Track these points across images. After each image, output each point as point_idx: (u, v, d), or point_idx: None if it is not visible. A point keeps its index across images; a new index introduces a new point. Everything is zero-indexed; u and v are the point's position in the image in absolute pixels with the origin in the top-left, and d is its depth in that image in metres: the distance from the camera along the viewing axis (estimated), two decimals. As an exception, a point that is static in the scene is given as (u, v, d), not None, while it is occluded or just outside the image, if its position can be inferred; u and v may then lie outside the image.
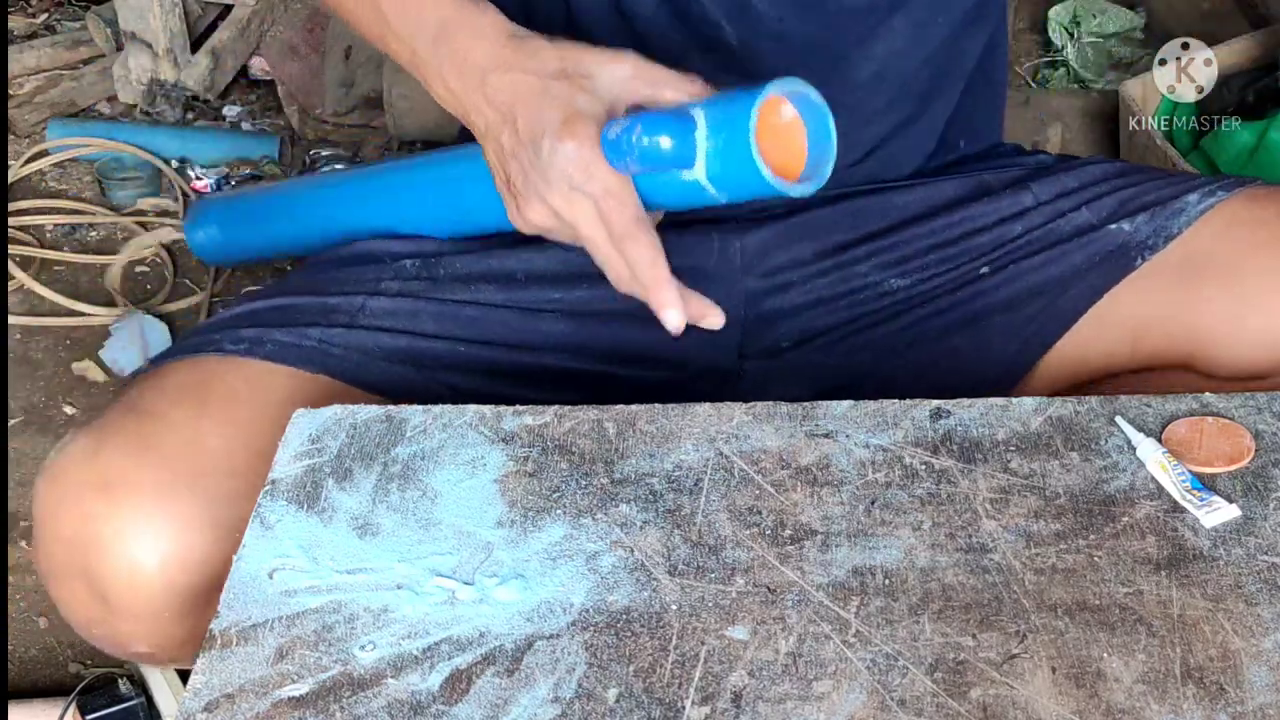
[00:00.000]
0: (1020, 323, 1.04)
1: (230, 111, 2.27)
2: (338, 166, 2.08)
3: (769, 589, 0.74)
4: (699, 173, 0.83)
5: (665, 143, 0.83)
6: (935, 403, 0.85)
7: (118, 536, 0.87)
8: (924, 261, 1.06)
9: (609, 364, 1.03)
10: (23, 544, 1.52)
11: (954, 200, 1.08)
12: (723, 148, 0.82)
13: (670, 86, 0.87)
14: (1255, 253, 0.98)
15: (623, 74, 0.86)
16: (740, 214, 1.06)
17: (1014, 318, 1.04)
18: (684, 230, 1.04)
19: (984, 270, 1.05)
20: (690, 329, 1.03)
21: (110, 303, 1.87)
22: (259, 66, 2.30)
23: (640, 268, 0.86)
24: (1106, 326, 1.03)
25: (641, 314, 1.02)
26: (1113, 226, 1.03)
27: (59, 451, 0.92)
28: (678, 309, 0.86)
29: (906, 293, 1.06)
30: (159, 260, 1.95)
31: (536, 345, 1.03)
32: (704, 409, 0.85)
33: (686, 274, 1.03)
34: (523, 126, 0.87)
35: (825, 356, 1.06)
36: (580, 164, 0.84)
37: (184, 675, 1.30)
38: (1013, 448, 0.82)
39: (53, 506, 0.89)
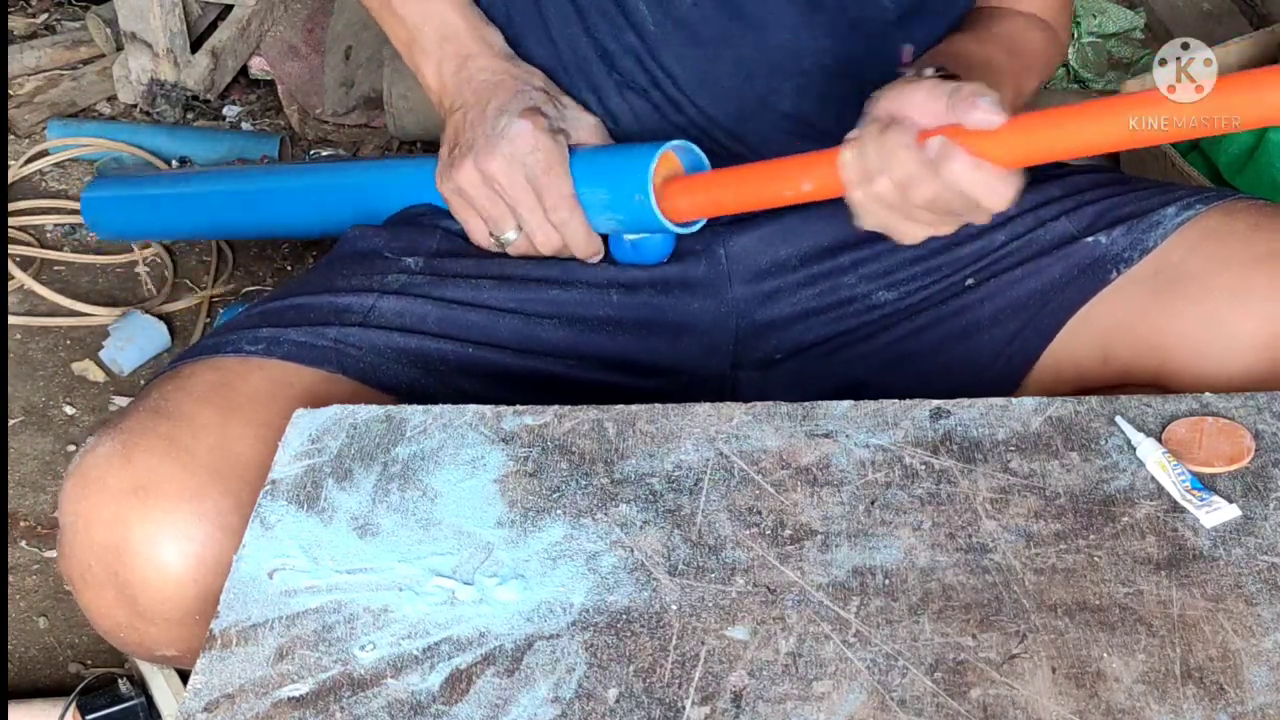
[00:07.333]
0: (1006, 338, 1.04)
1: (230, 111, 2.27)
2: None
3: (769, 589, 0.74)
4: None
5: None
6: (935, 403, 0.85)
7: (149, 541, 0.86)
8: (911, 273, 1.06)
9: (607, 372, 1.04)
10: (22, 544, 1.52)
11: None
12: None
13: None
14: (1223, 269, 0.97)
15: (589, 121, 1.05)
16: (722, 219, 1.06)
17: (1000, 333, 1.04)
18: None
19: (969, 282, 1.05)
20: (686, 338, 1.05)
21: (110, 303, 1.87)
22: (259, 66, 2.30)
23: (569, 232, 1.02)
24: (1079, 340, 1.02)
25: (634, 321, 1.04)
26: (1089, 239, 1.03)
27: (85, 455, 0.90)
28: (599, 251, 1.04)
29: (894, 305, 1.06)
30: (159, 260, 1.95)
31: (539, 351, 1.03)
32: (704, 409, 0.86)
33: (678, 285, 1.05)
34: (492, 108, 1.02)
35: (818, 369, 1.07)
36: (530, 139, 1.00)
37: (184, 675, 1.30)
38: (1013, 448, 0.82)
39: (84, 511, 0.88)
